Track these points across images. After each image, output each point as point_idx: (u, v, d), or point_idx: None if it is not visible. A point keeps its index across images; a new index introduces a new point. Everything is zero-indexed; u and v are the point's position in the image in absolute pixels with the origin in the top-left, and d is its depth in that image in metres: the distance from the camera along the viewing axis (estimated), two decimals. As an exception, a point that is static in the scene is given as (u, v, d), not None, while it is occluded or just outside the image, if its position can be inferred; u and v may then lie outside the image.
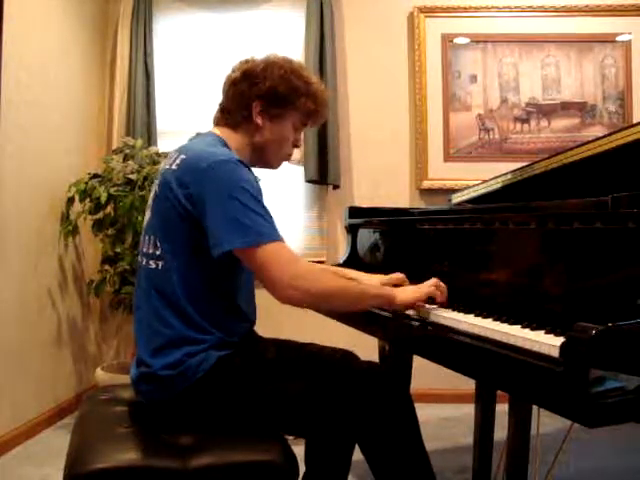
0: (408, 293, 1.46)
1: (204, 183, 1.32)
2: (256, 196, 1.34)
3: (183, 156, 1.41)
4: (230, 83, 1.54)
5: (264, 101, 1.49)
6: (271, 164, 1.59)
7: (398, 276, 1.67)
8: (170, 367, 1.35)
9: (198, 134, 1.56)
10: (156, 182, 1.46)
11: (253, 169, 1.54)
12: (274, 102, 1.50)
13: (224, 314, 1.42)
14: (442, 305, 1.47)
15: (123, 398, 1.54)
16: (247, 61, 1.55)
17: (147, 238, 1.44)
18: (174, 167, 1.40)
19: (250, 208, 1.31)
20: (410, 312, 1.50)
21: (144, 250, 1.45)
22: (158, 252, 1.40)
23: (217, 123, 1.57)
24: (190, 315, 1.37)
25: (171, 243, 1.38)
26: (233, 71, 1.55)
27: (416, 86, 3.39)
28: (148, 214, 1.47)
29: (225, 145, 1.48)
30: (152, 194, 1.47)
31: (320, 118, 1.61)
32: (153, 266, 1.40)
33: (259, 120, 1.50)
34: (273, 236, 1.31)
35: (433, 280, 1.49)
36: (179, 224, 1.36)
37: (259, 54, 1.58)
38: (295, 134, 1.56)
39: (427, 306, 1.47)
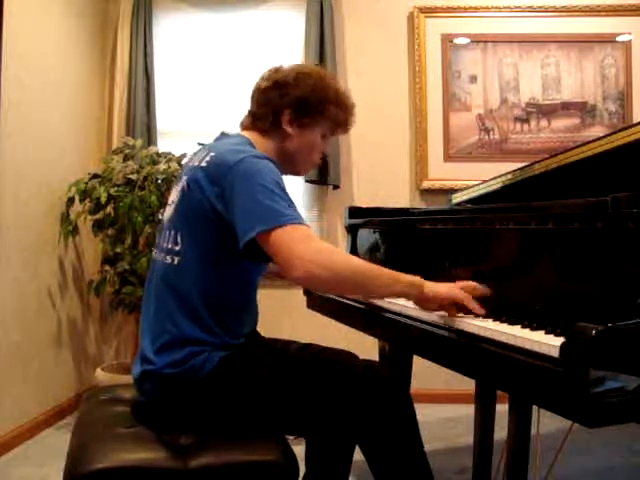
0: (440, 289, 1.35)
1: (234, 180, 1.32)
2: (281, 185, 1.34)
3: (212, 153, 1.40)
4: (260, 91, 1.54)
5: (294, 110, 1.50)
6: (298, 171, 1.60)
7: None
8: (174, 365, 1.35)
9: (223, 134, 1.55)
10: (183, 178, 1.44)
11: None
12: (304, 111, 1.50)
13: (232, 317, 1.42)
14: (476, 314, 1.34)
15: (123, 398, 1.54)
16: (277, 70, 1.55)
17: (168, 233, 1.43)
18: (203, 164, 1.39)
19: (275, 193, 1.30)
20: (408, 312, 1.49)
21: (163, 245, 1.44)
22: (177, 248, 1.39)
23: (245, 127, 1.56)
24: (200, 315, 1.37)
25: (193, 240, 1.38)
26: (263, 79, 1.55)
27: (416, 86, 3.39)
28: (170, 210, 1.46)
29: (252, 147, 1.47)
30: (178, 190, 1.45)
31: (348, 127, 1.63)
32: (169, 261, 1.40)
33: (289, 128, 1.51)
34: (297, 219, 1.29)
35: (470, 284, 1.38)
36: (205, 222, 1.36)
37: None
38: (323, 143, 1.58)
39: (460, 314, 1.35)
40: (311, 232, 1.32)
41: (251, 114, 1.56)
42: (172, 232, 1.42)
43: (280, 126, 1.51)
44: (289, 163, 1.54)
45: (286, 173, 1.56)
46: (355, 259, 1.38)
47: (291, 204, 1.33)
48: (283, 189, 1.34)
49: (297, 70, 1.54)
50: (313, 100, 1.50)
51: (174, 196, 1.47)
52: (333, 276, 1.28)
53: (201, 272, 1.37)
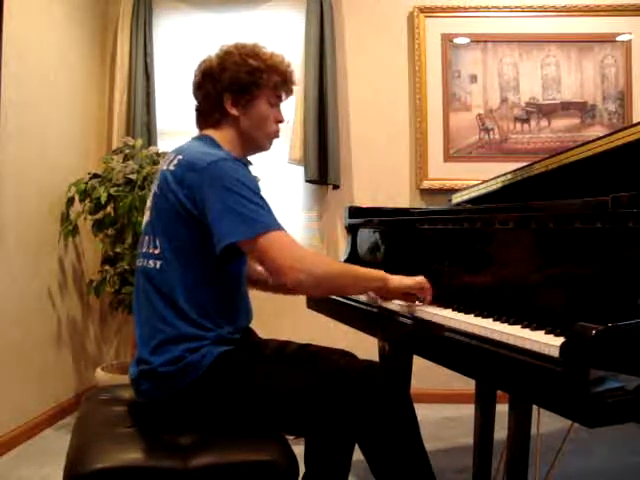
0: (398, 279, 1.52)
1: (203, 182, 1.35)
2: (253, 189, 1.37)
3: (180, 156, 1.43)
4: (196, 87, 1.58)
5: (231, 92, 1.52)
6: (262, 146, 1.60)
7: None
8: (170, 363, 1.35)
9: (192, 138, 1.58)
10: (155, 183, 1.48)
11: (252, 168, 1.56)
12: (240, 89, 1.52)
13: (224, 311, 1.43)
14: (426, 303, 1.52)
15: (123, 398, 1.54)
16: (204, 61, 1.58)
17: (147, 238, 1.46)
18: (172, 167, 1.42)
19: (249, 200, 1.34)
20: (403, 310, 1.52)
21: (143, 250, 1.46)
22: (157, 251, 1.41)
23: (201, 127, 1.59)
24: (189, 314, 1.38)
25: (171, 242, 1.40)
26: (195, 76, 1.58)
27: (416, 86, 3.39)
28: (147, 215, 1.49)
29: (217, 145, 1.51)
30: (151, 195, 1.49)
31: (289, 86, 1.61)
32: (152, 265, 1.42)
33: (234, 111, 1.53)
34: (273, 225, 1.34)
35: (420, 278, 1.54)
36: (179, 223, 1.38)
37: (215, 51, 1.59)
38: (273, 111, 1.58)
39: (418, 303, 1.51)
40: (287, 236, 1.36)
41: (198, 111, 1.59)
42: (150, 237, 1.44)
43: (227, 112, 1.53)
44: (250, 143, 1.57)
45: (253, 153, 1.61)
46: (334, 263, 1.53)
47: (267, 207, 1.37)
48: (258, 192, 1.37)
49: (218, 54, 1.57)
50: (244, 76, 1.52)
51: (149, 201, 1.50)
52: (317, 282, 1.38)
53: (183, 271, 1.39)
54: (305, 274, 1.33)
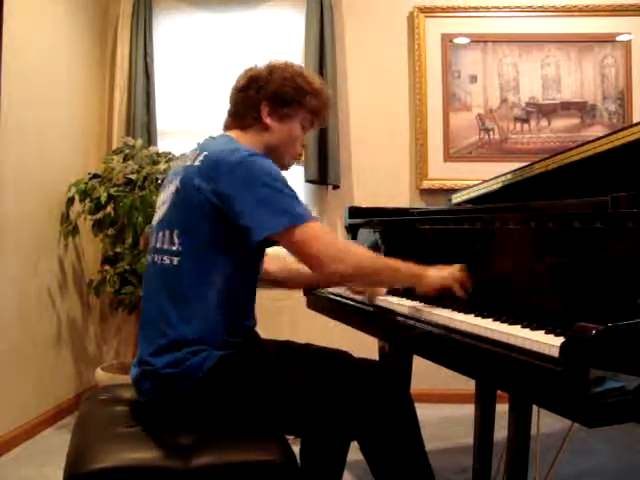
0: (436, 279, 1.48)
1: (234, 177, 1.34)
2: (285, 182, 1.38)
3: (206, 152, 1.42)
4: (237, 90, 1.56)
5: (272, 102, 1.52)
6: (282, 163, 1.58)
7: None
8: (172, 365, 1.35)
9: (211, 137, 1.56)
10: (175, 178, 1.45)
11: None
12: (281, 102, 1.52)
13: (231, 316, 1.42)
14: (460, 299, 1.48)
15: (123, 398, 1.54)
16: (251, 69, 1.57)
17: (162, 234, 1.43)
18: (197, 163, 1.40)
19: (283, 192, 1.35)
20: (402, 310, 1.52)
21: (157, 246, 1.44)
22: (174, 247, 1.40)
23: (227, 127, 1.58)
24: (196, 316, 1.37)
25: (192, 239, 1.38)
26: (238, 81, 1.57)
27: (416, 86, 3.39)
28: (163, 210, 1.46)
29: (238, 144, 1.47)
30: (171, 190, 1.46)
31: (326, 115, 1.63)
32: (167, 262, 1.40)
33: (268, 120, 1.52)
34: (309, 216, 1.37)
35: (459, 272, 1.50)
36: (203, 219, 1.37)
37: (260, 59, 1.60)
38: (302, 134, 1.58)
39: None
40: (324, 227, 1.37)
41: (231, 114, 1.58)
42: (167, 232, 1.42)
43: (260, 120, 1.52)
44: (273, 156, 1.54)
45: None
46: (374, 256, 1.52)
47: (298, 199, 1.39)
48: (287, 184, 1.38)
49: (270, 64, 1.56)
50: (289, 91, 1.52)
51: (165, 197, 1.47)
52: (355, 271, 1.40)
53: (197, 271, 1.38)
54: (345, 265, 1.36)
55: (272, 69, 1.54)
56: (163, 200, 1.48)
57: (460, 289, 1.47)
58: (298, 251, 1.37)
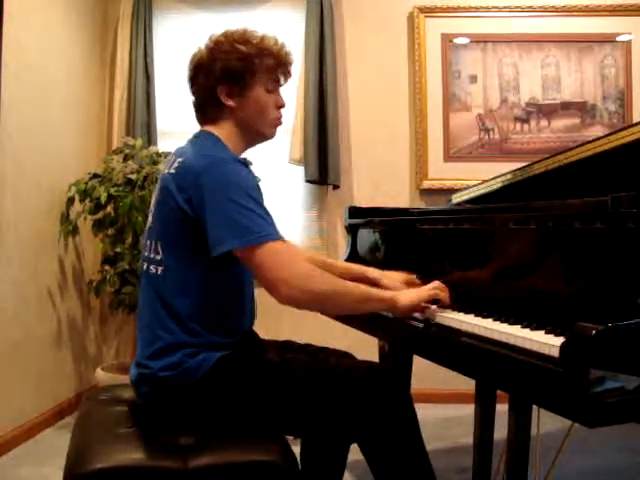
0: (408, 298, 1.44)
1: (202, 186, 1.31)
2: (254, 196, 1.33)
3: (180, 159, 1.40)
4: (190, 82, 1.53)
5: (225, 82, 1.46)
6: (264, 134, 1.54)
7: (410, 277, 1.68)
8: (170, 368, 1.34)
9: (192, 136, 1.54)
10: (157, 187, 1.46)
11: (252, 168, 1.54)
12: (234, 79, 1.46)
13: (225, 317, 1.42)
14: (445, 306, 1.47)
15: (123, 398, 1.53)
16: (194, 54, 1.52)
17: (149, 243, 1.44)
18: (172, 171, 1.40)
19: (249, 208, 1.30)
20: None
21: (146, 254, 1.45)
22: (159, 257, 1.39)
23: (201, 123, 1.54)
24: (189, 322, 1.36)
25: (172, 248, 1.38)
26: (188, 70, 1.53)
27: (416, 86, 3.39)
28: (150, 218, 1.47)
29: (218, 142, 1.46)
30: (154, 199, 1.47)
31: (286, 67, 1.54)
32: (154, 271, 1.40)
33: (230, 102, 1.47)
34: (272, 236, 1.30)
35: (435, 283, 1.50)
36: (179, 229, 1.36)
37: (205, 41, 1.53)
38: (272, 96, 1.52)
39: (433, 307, 1.46)
40: (286, 249, 1.32)
41: (195, 106, 1.54)
42: (152, 241, 1.42)
43: (223, 105, 1.47)
44: (252, 133, 1.52)
45: (257, 143, 1.56)
46: (332, 280, 1.37)
47: (267, 216, 1.33)
48: (255, 197, 1.33)
49: (208, 45, 1.49)
50: (235, 63, 1.45)
51: (152, 204, 1.47)
52: (313, 300, 1.33)
53: (184, 280, 1.37)
54: (299, 290, 1.28)
55: (212, 48, 1.47)
56: (151, 207, 1.48)
57: (443, 295, 1.47)
58: (255, 273, 1.32)
